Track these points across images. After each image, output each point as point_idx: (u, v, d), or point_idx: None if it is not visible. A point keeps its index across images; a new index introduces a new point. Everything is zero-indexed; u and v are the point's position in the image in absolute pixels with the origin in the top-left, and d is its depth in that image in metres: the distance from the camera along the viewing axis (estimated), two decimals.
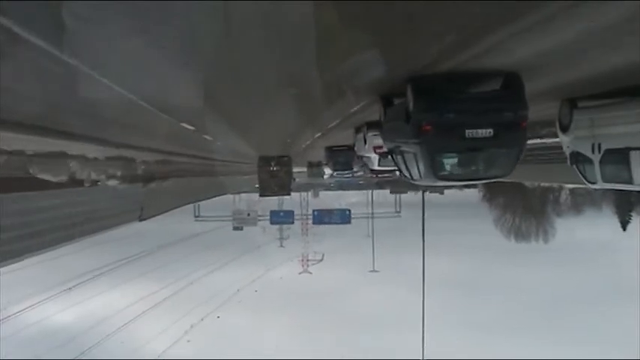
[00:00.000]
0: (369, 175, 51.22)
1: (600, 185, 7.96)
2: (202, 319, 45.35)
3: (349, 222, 47.12)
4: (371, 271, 51.70)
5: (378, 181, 60.95)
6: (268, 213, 48.35)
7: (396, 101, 8.90)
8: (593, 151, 8.27)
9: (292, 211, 49.15)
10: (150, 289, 44.62)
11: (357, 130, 16.76)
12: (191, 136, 12.73)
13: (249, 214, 47.27)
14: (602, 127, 8.07)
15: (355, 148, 18.35)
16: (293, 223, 49.10)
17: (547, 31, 5.21)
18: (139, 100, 7.01)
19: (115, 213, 12.39)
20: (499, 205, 48.59)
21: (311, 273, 51.67)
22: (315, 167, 35.11)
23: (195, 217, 52.18)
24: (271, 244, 52.98)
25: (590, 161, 8.19)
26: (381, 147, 14.39)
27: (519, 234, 48.07)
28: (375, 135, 14.24)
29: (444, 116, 7.49)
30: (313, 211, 48.94)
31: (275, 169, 22.95)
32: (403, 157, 8.69)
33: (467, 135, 7.53)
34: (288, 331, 45.32)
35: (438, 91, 7.47)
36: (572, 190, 42.74)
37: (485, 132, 7.50)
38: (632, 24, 4.92)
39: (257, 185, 41.92)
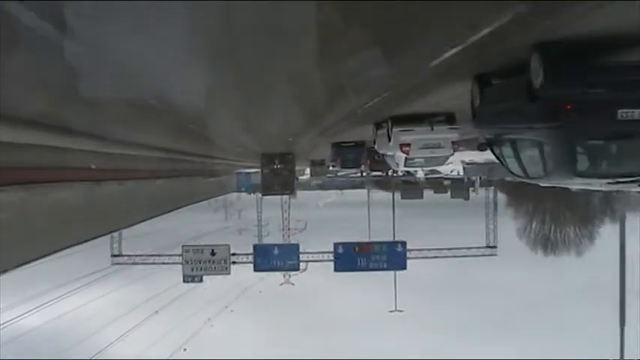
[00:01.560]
0: (354, 175, 50.66)
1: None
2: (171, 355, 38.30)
3: (404, 267, 30.92)
4: (391, 311, 38.06)
5: (364, 180, 60.72)
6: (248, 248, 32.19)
7: (496, 80, 7.93)
8: None
9: (296, 246, 32.15)
10: None
11: (378, 125, 16.08)
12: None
13: (214, 252, 29.41)
14: None
15: (375, 146, 17.36)
16: (298, 269, 32.02)
17: None
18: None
19: None
20: (525, 212, 44.59)
21: (293, 284, 49.80)
22: (318, 166, 35.31)
23: (114, 256, 35.75)
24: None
25: None
26: (408, 145, 13.90)
27: (548, 246, 43.72)
28: (402, 131, 13.72)
29: (591, 92, 6.15)
30: (335, 247, 30.64)
31: (278, 167, 23.27)
32: (516, 149, 7.35)
33: (619, 116, 6.05)
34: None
35: (580, 60, 6.15)
36: (605, 194, 39.75)
37: None
38: None
39: (234, 186, 40.07)
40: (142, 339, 37.79)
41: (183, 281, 30.66)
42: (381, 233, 42.14)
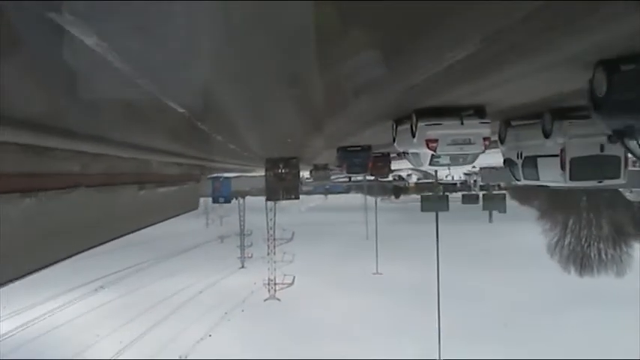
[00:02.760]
0: (343, 179, 49.57)
1: (523, 182, 11.51)
2: None
3: None
4: None
5: (350, 185, 59.99)
6: None
7: (629, 66, 7.32)
8: (517, 157, 12.62)
9: None
10: None
11: (399, 121, 15.50)
12: None
13: None
14: (522, 141, 12.47)
15: (395, 143, 16.82)
16: None
17: None
18: None
19: None
20: (558, 225, 42.36)
21: (279, 299, 48.64)
22: (320, 170, 35.84)
23: None
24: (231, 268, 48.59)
25: (516, 164, 11.99)
26: (436, 140, 13.46)
27: (583, 264, 41.35)
28: (428, 125, 13.08)
29: None
30: None
31: (283, 171, 23.47)
32: None
33: None
34: None
35: None
36: None
37: None
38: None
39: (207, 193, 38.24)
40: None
41: None
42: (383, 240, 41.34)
